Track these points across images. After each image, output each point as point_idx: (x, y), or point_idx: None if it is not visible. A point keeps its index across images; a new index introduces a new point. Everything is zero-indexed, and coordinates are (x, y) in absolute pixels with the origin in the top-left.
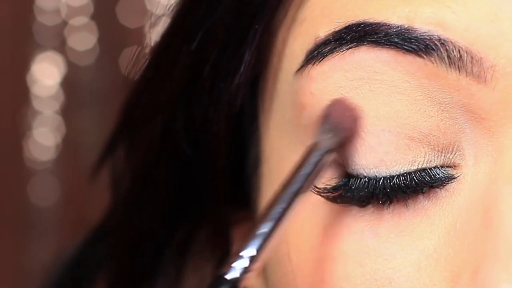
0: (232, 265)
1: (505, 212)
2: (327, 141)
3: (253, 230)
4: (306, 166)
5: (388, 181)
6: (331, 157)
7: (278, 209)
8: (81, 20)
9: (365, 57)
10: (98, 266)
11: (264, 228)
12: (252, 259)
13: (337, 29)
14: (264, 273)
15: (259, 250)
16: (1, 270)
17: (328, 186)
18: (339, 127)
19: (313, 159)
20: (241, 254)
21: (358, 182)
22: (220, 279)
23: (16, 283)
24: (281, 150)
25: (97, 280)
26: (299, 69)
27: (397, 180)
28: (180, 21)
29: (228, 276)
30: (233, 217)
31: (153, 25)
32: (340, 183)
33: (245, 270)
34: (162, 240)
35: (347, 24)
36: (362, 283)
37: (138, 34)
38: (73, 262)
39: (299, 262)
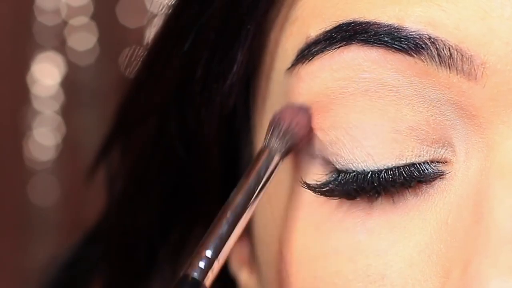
0: (196, 264)
1: (496, 207)
2: (277, 145)
3: (213, 230)
4: (258, 170)
5: (376, 175)
6: (281, 161)
7: (235, 210)
8: (81, 20)
9: (354, 56)
10: (93, 267)
11: (222, 229)
12: (213, 258)
13: (327, 29)
14: (258, 270)
15: (218, 251)
16: (1, 270)
17: (318, 182)
18: (289, 132)
19: (264, 164)
20: (203, 254)
21: (347, 176)
22: (185, 278)
23: (16, 283)
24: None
25: (92, 281)
26: (289, 68)
27: (385, 174)
28: (172, 22)
29: (193, 275)
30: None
31: (153, 25)
32: (329, 178)
33: (208, 269)
34: (157, 240)
35: (337, 24)
36: (354, 279)
37: (138, 34)
38: (69, 262)
39: (292, 259)
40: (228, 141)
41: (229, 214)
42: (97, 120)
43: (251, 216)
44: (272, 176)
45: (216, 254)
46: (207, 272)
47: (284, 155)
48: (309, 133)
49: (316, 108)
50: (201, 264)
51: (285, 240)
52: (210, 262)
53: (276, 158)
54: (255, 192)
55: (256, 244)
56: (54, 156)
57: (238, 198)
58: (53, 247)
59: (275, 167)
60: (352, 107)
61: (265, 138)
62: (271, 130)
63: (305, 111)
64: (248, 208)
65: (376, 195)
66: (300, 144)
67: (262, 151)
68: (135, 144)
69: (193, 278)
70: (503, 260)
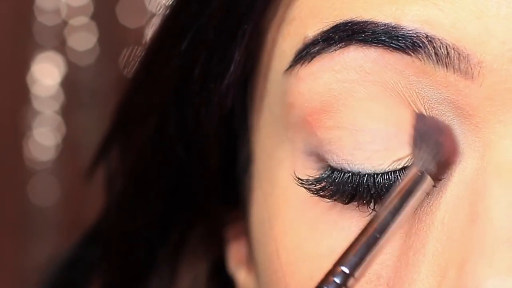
0: (333, 279)
1: (492, 206)
2: (431, 167)
3: (352, 246)
4: (408, 193)
5: (372, 178)
6: (432, 182)
7: (377, 228)
8: (81, 20)
9: (354, 57)
10: (93, 267)
11: (361, 249)
12: (350, 275)
13: (325, 29)
14: (256, 270)
15: (355, 269)
16: (1, 270)
17: (311, 178)
18: (441, 154)
19: (416, 185)
20: (338, 269)
21: (341, 176)
22: None
23: (16, 283)
24: (269, 148)
25: (92, 281)
26: (287, 69)
27: (381, 178)
28: (171, 22)
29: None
30: (227, 217)
31: (152, 25)
32: (323, 175)
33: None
34: (156, 240)
35: (335, 24)
36: None
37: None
38: (68, 262)
39: (288, 259)
40: (228, 141)
41: (373, 232)
42: (97, 120)
43: (249, 216)
44: (420, 198)
45: (352, 270)
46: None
47: (435, 177)
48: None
49: (320, 107)
50: (337, 280)
51: (280, 240)
52: (345, 278)
53: (428, 179)
54: (401, 213)
55: (253, 244)
56: (54, 156)
57: (384, 216)
58: (53, 247)
59: (424, 190)
60: (359, 110)
61: (416, 155)
62: (418, 146)
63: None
64: (392, 227)
65: (370, 198)
66: (451, 164)
67: (416, 173)
68: (134, 144)
69: None
70: (500, 259)
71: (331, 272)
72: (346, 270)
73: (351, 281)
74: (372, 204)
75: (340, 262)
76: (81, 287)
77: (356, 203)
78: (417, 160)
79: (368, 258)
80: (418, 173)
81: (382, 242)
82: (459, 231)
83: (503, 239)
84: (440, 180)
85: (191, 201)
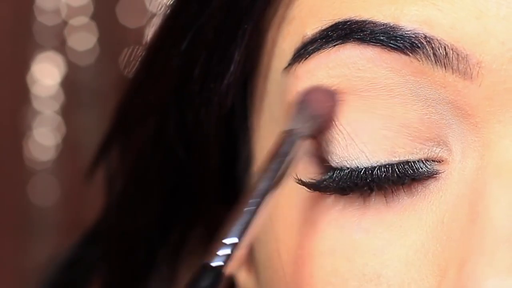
0: (217, 252)
1: (491, 206)
2: (303, 128)
3: (233, 217)
4: (282, 154)
5: (370, 171)
6: (307, 144)
7: (256, 197)
8: (81, 20)
9: (350, 54)
10: (92, 267)
11: (244, 216)
12: (235, 246)
13: (323, 27)
14: (256, 270)
15: (240, 237)
16: (1, 270)
17: (313, 181)
18: (315, 115)
19: (288, 146)
20: (224, 241)
21: (341, 173)
22: (206, 266)
23: (16, 283)
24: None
25: (92, 281)
26: (286, 68)
27: (378, 171)
28: (171, 22)
29: (213, 264)
30: (226, 217)
31: (153, 25)
32: (324, 176)
33: (229, 257)
34: (156, 240)
35: (333, 22)
36: (350, 278)
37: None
38: (68, 262)
39: (288, 258)
40: (228, 141)
41: (250, 201)
42: (97, 120)
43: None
44: (295, 160)
45: (236, 241)
46: (227, 260)
47: (308, 138)
48: (333, 116)
49: None
50: (220, 252)
51: (281, 239)
52: (230, 250)
53: (299, 141)
54: (276, 177)
55: (253, 244)
56: (54, 156)
57: (260, 185)
58: (53, 247)
59: (299, 150)
60: (346, 105)
61: (289, 121)
62: (295, 112)
63: (331, 94)
64: (269, 194)
65: (369, 191)
66: (325, 127)
67: (285, 133)
68: (134, 144)
69: (213, 267)
70: (500, 259)
71: (217, 248)
72: (232, 241)
73: (236, 252)
74: (372, 197)
75: (223, 236)
76: (81, 287)
77: (354, 196)
78: (290, 123)
79: (252, 225)
80: (287, 134)
81: (262, 206)
82: (459, 230)
83: (503, 239)
84: (316, 136)
85: (191, 201)
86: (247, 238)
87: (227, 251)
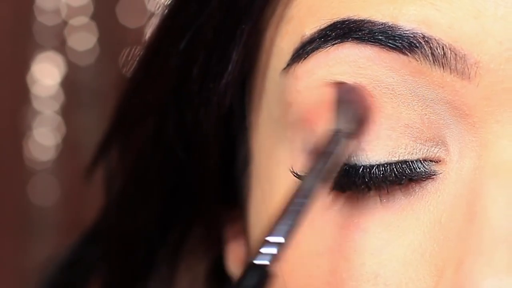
0: (261, 251)
1: (489, 206)
2: (348, 128)
3: (279, 216)
4: (328, 154)
5: (368, 170)
6: (351, 143)
7: (302, 196)
8: (81, 20)
9: (349, 52)
10: (92, 267)
11: (290, 216)
12: (281, 246)
13: (322, 27)
14: None
15: (286, 237)
16: (1, 270)
17: None
18: (356, 113)
19: (334, 145)
20: (269, 240)
21: (340, 171)
22: (252, 265)
23: (16, 283)
24: (268, 148)
25: (91, 281)
26: (285, 68)
27: (376, 170)
28: (169, 22)
29: (258, 262)
30: (226, 216)
31: (152, 25)
32: None
33: (275, 257)
34: (156, 240)
35: (332, 22)
36: (348, 278)
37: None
38: (68, 262)
39: (286, 257)
40: (227, 141)
41: (296, 201)
42: (97, 120)
43: (248, 216)
44: (341, 159)
45: (282, 241)
46: (273, 260)
47: (353, 137)
48: (371, 115)
49: (317, 102)
50: (264, 251)
51: None
52: (276, 250)
53: (345, 140)
54: (322, 177)
55: (252, 244)
56: (54, 156)
57: (305, 184)
58: (53, 247)
59: (344, 149)
60: None
61: (333, 120)
62: (338, 112)
63: (363, 94)
64: (315, 193)
65: (367, 190)
66: (366, 126)
67: (330, 133)
68: (134, 144)
69: (258, 265)
70: (498, 259)
71: (263, 245)
72: (278, 240)
73: (282, 249)
74: (370, 198)
75: (269, 233)
76: (80, 287)
77: (351, 194)
78: (335, 123)
79: (297, 224)
80: (334, 134)
81: (308, 205)
82: (457, 230)
83: (501, 239)
84: (359, 136)
85: (191, 201)
86: (292, 238)
87: (273, 250)
